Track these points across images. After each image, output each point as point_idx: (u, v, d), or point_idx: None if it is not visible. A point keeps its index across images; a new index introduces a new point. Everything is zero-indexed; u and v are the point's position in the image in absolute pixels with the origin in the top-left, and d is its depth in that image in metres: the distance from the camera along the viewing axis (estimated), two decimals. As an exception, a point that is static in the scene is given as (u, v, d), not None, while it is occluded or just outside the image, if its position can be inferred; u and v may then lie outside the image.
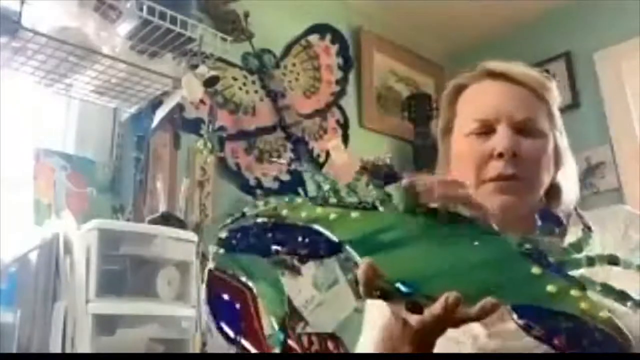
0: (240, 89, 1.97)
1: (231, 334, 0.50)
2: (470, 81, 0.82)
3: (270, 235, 0.53)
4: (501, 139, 0.74)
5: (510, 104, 0.76)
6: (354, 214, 0.54)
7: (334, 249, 0.52)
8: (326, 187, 0.58)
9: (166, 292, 1.28)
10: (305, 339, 1.68)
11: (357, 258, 0.50)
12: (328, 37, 2.33)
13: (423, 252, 0.51)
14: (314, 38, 2.28)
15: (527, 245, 0.51)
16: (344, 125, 2.29)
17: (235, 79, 1.97)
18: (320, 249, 0.52)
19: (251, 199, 1.88)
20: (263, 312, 0.50)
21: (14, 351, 1.11)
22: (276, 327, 0.50)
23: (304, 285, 1.83)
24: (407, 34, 2.65)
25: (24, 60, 1.34)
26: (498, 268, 0.50)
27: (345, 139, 2.27)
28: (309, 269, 1.88)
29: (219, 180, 1.80)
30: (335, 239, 0.52)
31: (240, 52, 1.99)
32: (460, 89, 0.83)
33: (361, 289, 0.49)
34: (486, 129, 0.76)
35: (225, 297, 0.51)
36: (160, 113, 1.57)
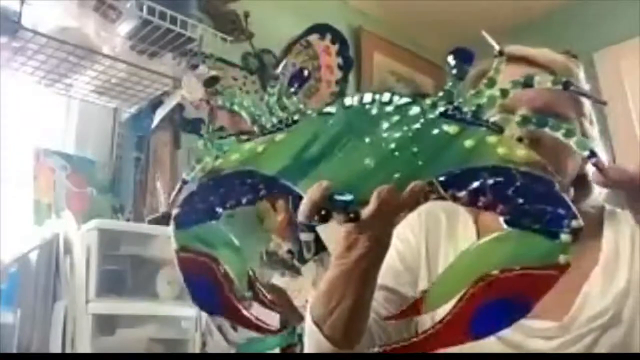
0: (240, 89, 1.97)
1: (208, 311, 0.51)
2: (489, 68, 0.81)
3: (212, 195, 0.53)
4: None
5: (530, 88, 0.74)
6: (279, 137, 0.54)
7: (271, 184, 0.52)
8: (252, 107, 0.57)
9: (166, 292, 1.28)
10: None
11: (295, 188, 0.51)
12: (328, 37, 2.33)
13: (348, 152, 0.50)
14: (314, 38, 2.28)
15: (441, 103, 0.49)
16: (344, 125, 2.29)
17: (235, 79, 1.96)
18: (259, 190, 0.52)
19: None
20: (231, 276, 0.51)
21: (14, 351, 1.11)
22: (241, 287, 0.51)
23: (304, 285, 1.83)
24: (407, 34, 2.65)
25: (24, 60, 1.34)
26: (417, 142, 0.48)
27: (345, 138, 2.27)
28: (309, 269, 1.88)
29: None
30: (268, 173, 0.52)
31: (240, 52, 1.99)
32: (481, 76, 0.80)
33: (306, 212, 0.49)
34: (506, 115, 0.74)
35: (195, 275, 0.51)
36: (160, 113, 1.57)
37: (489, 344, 0.71)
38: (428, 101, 0.50)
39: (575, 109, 0.77)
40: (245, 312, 0.50)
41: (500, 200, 0.44)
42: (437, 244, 0.83)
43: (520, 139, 0.70)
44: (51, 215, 1.35)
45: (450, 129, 0.48)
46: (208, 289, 0.51)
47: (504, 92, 0.49)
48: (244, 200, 0.52)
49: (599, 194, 0.80)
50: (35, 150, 1.44)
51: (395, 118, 0.50)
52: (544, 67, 0.76)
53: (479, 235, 0.82)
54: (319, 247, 1.92)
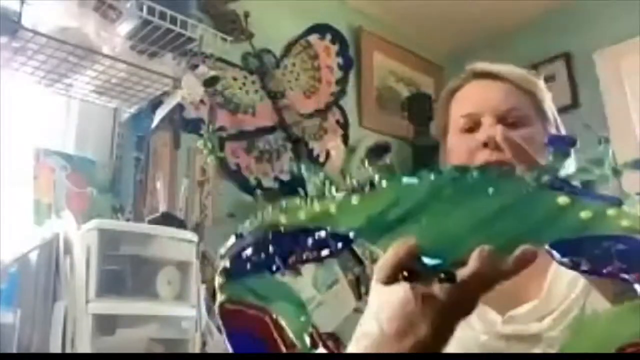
0: (240, 89, 1.98)
1: None
2: (460, 84, 0.87)
3: (272, 249, 0.50)
4: (485, 129, 0.77)
5: (493, 97, 0.80)
6: (355, 200, 0.49)
7: (344, 242, 0.48)
8: (318, 181, 0.53)
9: (166, 292, 1.28)
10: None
11: (371, 246, 0.49)
12: (328, 37, 2.33)
13: (436, 217, 0.46)
14: (314, 38, 2.28)
15: (546, 177, 0.45)
16: (344, 125, 2.30)
17: (235, 79, 1.97)
18: (330, 246, 0.48)
19: (251, 200, 1.88)
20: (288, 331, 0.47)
21: (14, 351, 1.11)
22: (301, 345, 0.47)
23: (304, 285, 1.83)
24: (407, 34, 2.65)
25: (24, 60, 1.34)
26: (522, 210, 0.45)
27: (345, 139, 2.27)
28: (309, 269, 1.88)
29: (219, 180, 1.80)
30: (342, 232, 0.48)
31: (240, 52, 1.99)
32: (452, 93, 0.87)
33: (385, 273, 0.45)
34: (474, 124, 0.79)
35: (244, 330, 0.48)
36: (160, 113, 1.57)
37: (490, 342, 0.72)
38: (529, 175, 0.47)
39: (539, 114, 0.81)
40: None
41: (629, 268, 0.42)
42: None
43: (485, 144, 0.74)
44: (51, 215, 1.35)
45: (560, 199, 0.44)
46: (255, 345, 0.47)
47: (617, 172, 0.46)
48: (311, 257, 0.49)
49: None
50: (35, 150, 1.44)
51: (491, 189, 0.46)
52: (509, 81, 0.81)
53: None
54: (319, 247, 1.92)
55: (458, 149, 0.80)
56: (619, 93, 2.26)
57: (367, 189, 0.49)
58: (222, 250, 0.52)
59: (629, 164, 0.46)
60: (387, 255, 0.45)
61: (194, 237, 1.36)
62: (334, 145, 2.19)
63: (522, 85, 0.82)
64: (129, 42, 1.40)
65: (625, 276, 0.41)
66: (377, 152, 0.52)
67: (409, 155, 2.43)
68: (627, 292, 0.44)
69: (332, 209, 0.49)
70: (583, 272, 0.43)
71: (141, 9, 1.32)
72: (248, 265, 0.49)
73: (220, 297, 0.49)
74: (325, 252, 0.48)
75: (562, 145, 0.47)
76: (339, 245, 0.48)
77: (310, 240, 0.49)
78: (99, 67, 1.41)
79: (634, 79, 2.20)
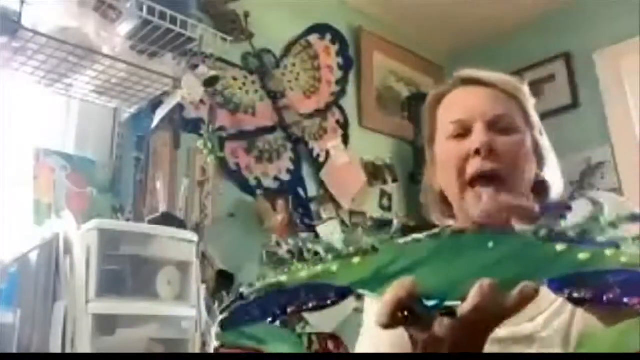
0: (240, 89, 1.98)
1: None
2: (446, 90, 0.87)
3: (272, 302, 0.52)
4: (477, 136, 0.77)
5: (482, 103, 0.81)
6: (356, 260, 0.52)
7: (343, 293, 0.51)
8: (322, 249, 0.55)
9: (166, 292, 1.28)
10: (305, 339, 1.68)
11: (371, 294, 0.49)
12: (328, 37, 2.33)
13: (435, 269, 0.48)
14: (314, 38, 2.28)
15: (543, 231, 0.47)
16: (344, 125, 2.30)
17: (235, 79, 1.97)
18: (328, 297, 0.51)
19: (251, 199, 1.88)
20: None
21: (14, 351, 1.11)
22: None
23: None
24: (407, 34, 2.65)
25: (24, 60, 1.34)
26: (520, 259, 0.46)
27: (345, 139, 2.28)
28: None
29: (219, 180, 1.80)
30: (342, 284, 0.51)
31: (240, 52, 1.99)
32: (439, 99, 0.87)
33: (385, 313, 0.45)
34: (463, 131, 0.79)
35: None
36: (160, 113, 1.57)
37: (485, 347, 0.72)
38: (528, 230, 0.48)
39: (525, 120, 0.82)
40: None
41: (630, 295, 0.42)
42: None
43: (477, 151, 0.75)
44: (51, 215, 1.35)
45: (557, 247, 0.46)
46: None
47: (613, 224, 0.47)
48: (310, 306, 0.52)
49: (557, 197, 0.83)
50: (35, 150, 1.44)
51: (491, 244, 0.48)
52: (496, 87, 0.82)
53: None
54: (319, 247, 1.92)
55: (448, 155, 0.80)
56: (619, 93, 2.26)
57: (368, 252, 0.52)
58: (223, 305, 0.53)
59: (625, 217, 0.47)
60: (387, 296, 0.45)
61: (194, 237, 1.36)
62: (334, 145, 2.19)
63: (508, 90, 0.82)
64: (129, 42, 1.40)
65: (626, 300, 0.42)
66: (379, 226, 0.54)
67: (409, 155, 2.44)
68: (621, 314, 0.45)
69: (334, 267, 0.52)
70: (584, 301, 0.44)
71: (141, 9, 1.32)
72: (247, 317, 0.52)
73: (215, 344, 0.52)
74: (324, 303, 0.51)
75: (556, 211, 0.50)
76: (338, 296, 0.51)
77: (311, 295, 0.51)
78: (99, 67, 1.42)
79: (634, 79, 2.20)
